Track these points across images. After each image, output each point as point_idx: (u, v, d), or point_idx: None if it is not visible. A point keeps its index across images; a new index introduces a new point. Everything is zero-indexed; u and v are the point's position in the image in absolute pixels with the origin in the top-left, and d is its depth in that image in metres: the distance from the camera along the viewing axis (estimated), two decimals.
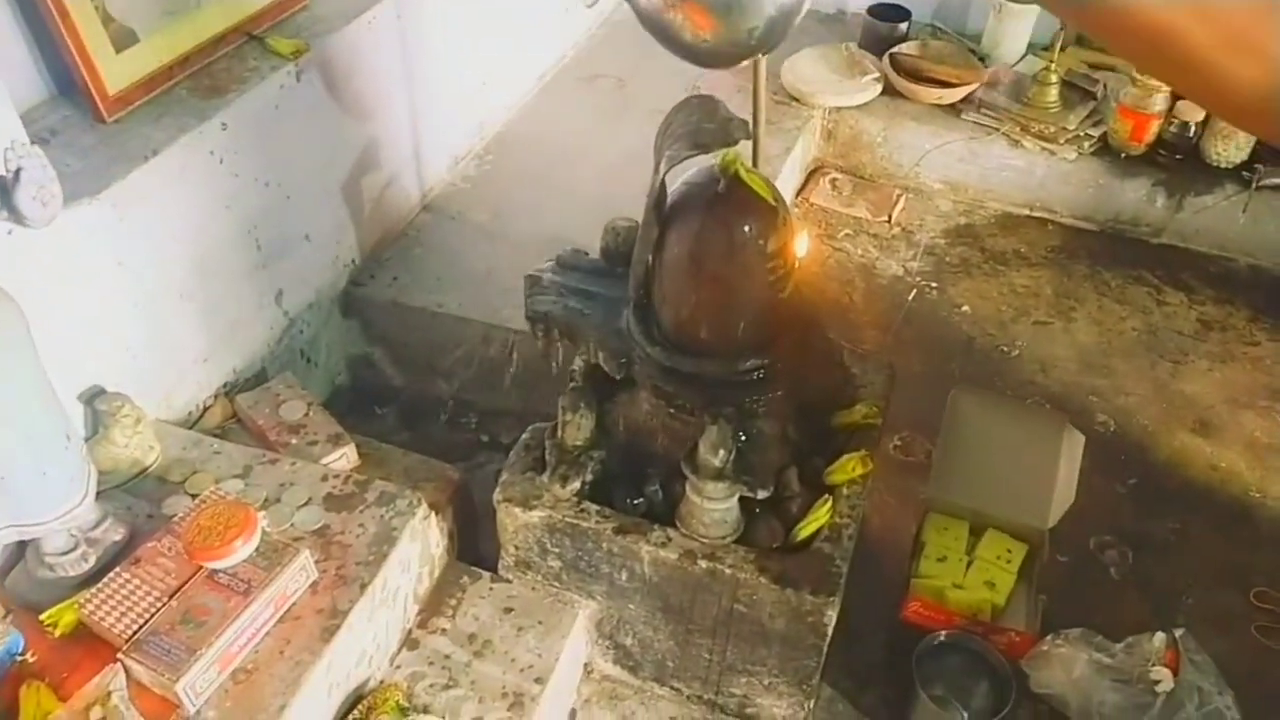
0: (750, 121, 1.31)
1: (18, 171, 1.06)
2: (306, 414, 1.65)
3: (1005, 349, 2.29)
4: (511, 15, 2.50)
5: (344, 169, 1.96)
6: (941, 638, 1.53)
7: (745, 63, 1.25)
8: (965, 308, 2.39)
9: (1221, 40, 0.56)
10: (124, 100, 1.54)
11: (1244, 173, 2.45)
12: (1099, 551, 1.86)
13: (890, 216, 2.64)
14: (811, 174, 2.78)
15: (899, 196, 2.70)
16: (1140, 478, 2.00)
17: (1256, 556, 1.86)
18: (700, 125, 1.18)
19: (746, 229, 1.22)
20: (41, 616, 1.24)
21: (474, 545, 1.67)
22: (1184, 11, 0.56)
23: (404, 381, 2.12)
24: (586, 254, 1.58)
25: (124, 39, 1.54)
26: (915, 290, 2.43)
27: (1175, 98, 2.47)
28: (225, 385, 1.73)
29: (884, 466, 1.75)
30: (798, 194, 2.71)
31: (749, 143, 1.33)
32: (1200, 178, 2.49)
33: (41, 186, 1.08)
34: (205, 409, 1.68)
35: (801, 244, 1.56)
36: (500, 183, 2.39)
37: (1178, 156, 2.50)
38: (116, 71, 1.52)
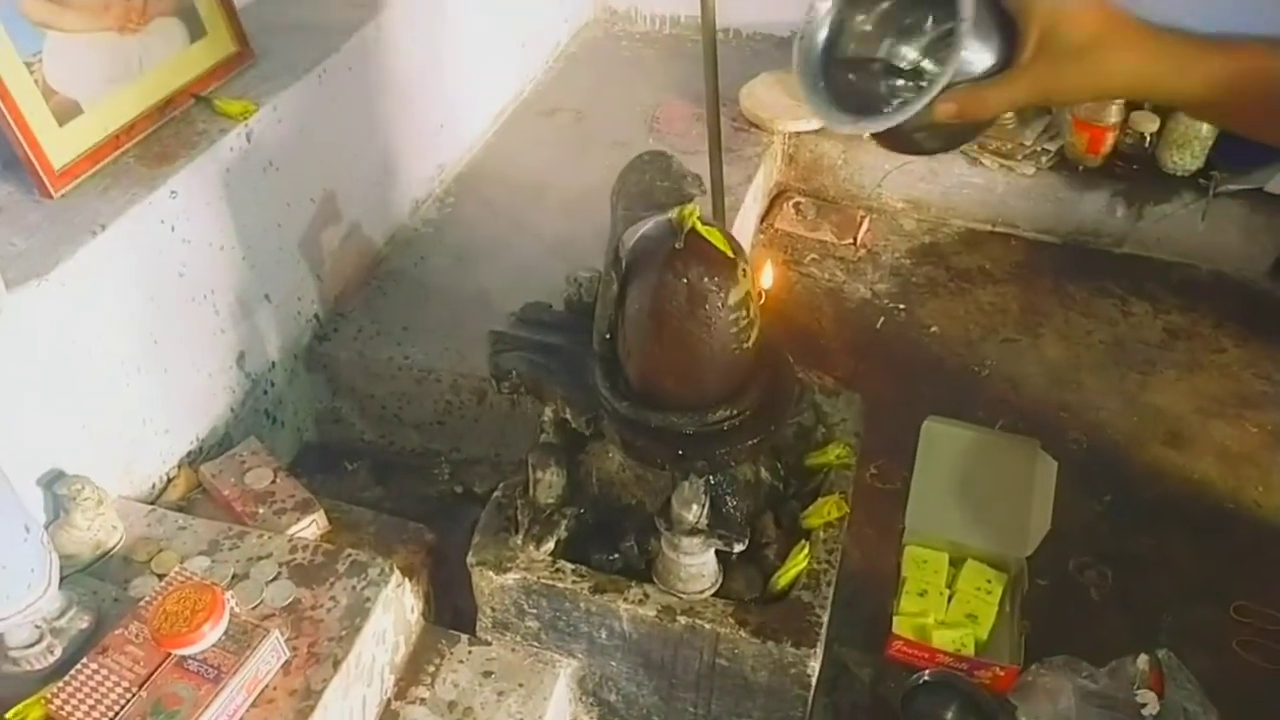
0: (707, 174, 1.29)
1: None
2: (273, 480, 1.62)
3: (975, 369, 2.29)
4: (468, 54, 2.49)
5: (302, 224, 1.94)
6: (925, 677, 1.52)
7: None
8: (934, 328, 2.40)
9: None
10: (70, 174, 1.50)
11: (1200, 180, 2.48)
12: (1078, 573, 1.86)
13: (855, 238, 2.64)
14: (775, 199, 2.78)
15: (863, 218, 2.70)
16: (1115, 494, 2.00)
17: (1234, 569, 1.87)
18: (654, 184, 1.17)
19: (706, 284, 1.20)
20: (7, 715, 1.20)
21: (452, 602, 1.65)
22: None
23: (374, 435, 2.09)
24: (549, 306, 1.56)
25: (67, 111, 1.51)
26: (883, 315, 2.44)
27: (1130, 108, 2.49)
28: (189, 455, 1.70)
29: (862, 496, 1.75)
30: (762, 220, 2.71)
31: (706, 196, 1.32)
32: (1158, 187, 2.52)
33: None
34: (169, 481, 1.65)
35: (766, 275, 1.55)
36: (463, 224, 2.37)
37: (1135, 167, 2.53)
38: (60, 145, 1.49)
